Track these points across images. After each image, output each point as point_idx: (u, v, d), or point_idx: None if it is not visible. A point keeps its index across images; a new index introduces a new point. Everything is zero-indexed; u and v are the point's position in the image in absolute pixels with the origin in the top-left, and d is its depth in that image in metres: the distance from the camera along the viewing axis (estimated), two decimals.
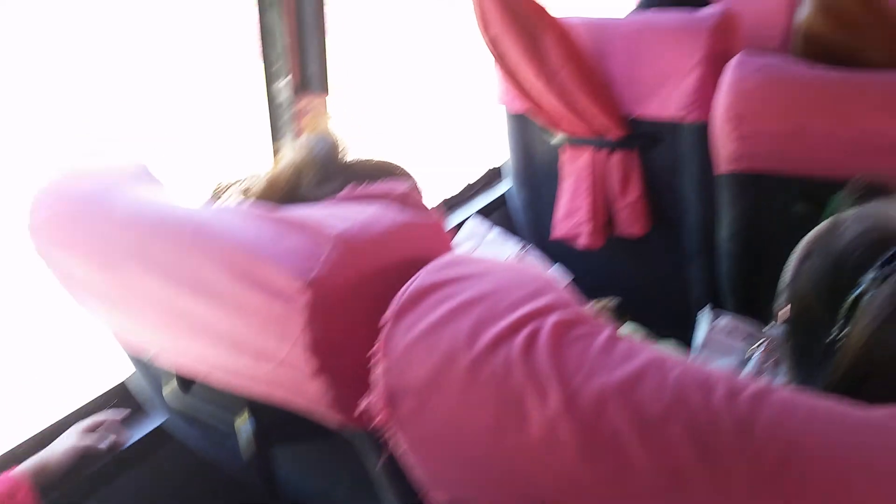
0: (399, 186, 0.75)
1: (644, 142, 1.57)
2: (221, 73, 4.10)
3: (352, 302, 0.62)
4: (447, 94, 4.27)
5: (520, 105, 1.66)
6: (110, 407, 1.13)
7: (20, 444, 1.04)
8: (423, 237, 0.69)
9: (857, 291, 0.48)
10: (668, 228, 1.63)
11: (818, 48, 1.28)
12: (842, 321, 0.49)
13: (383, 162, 0.84)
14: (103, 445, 1.05)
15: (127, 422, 1.11)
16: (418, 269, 0.59)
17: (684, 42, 1.46)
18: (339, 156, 0.82)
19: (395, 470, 0.61)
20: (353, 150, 0.83)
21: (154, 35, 4.38)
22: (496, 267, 0.58)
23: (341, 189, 0.74)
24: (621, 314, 1.59)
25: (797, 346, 0.55)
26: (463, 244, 1.70)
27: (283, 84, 1.30)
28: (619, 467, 0.46)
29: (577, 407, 0.47)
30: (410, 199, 0.74)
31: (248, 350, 0.66)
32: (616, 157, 1.59)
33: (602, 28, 1.59)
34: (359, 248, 0.62)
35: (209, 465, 1.03)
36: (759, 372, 1.12)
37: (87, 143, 3.33)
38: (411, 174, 0.85)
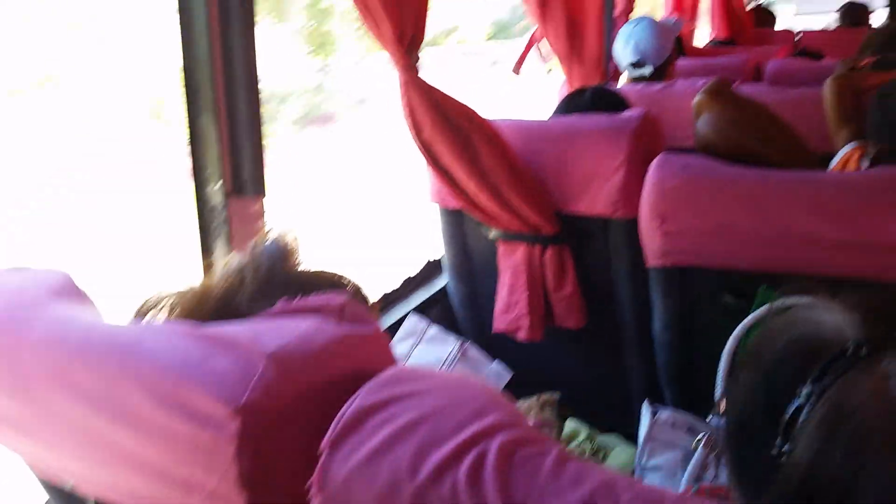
0: (337, 298, 0.73)
1: (576, 237, 1.61)
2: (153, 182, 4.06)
3: (286, 428, 0.58)
4: (384, 189, 4.33)
5: (454, 202, 1.69)
6: None
7: None
8: (363, 350, 0.67)
9: (795, 406, 0.48)
10: (605, 321, 1.65)
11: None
12: (781, 436, 0.48)
13: (323, 272, 0.82)
14: None
15: None
16: (358, 385, 0.57)
17: (610, 143, 1.52)
18: (287, 264, 0.80)
19: None
20: (302, 257, 0.81)
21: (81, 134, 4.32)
22: (439, 382, 0.56)
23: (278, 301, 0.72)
24: (563, 408, 1.58)
25: (739, 459, 0.54)
26: (402, 342, 1.67)
27: (216, 189, 1.28)
28: None
29: None
30: (348, 310, 0.72)
31: (175, 481, 0.61)
32: (550, 252, 1.62)
33: (530, 130, 1.65)
34: (294, 367, 0.59)
35: None
36: (703, 466, 1.12)
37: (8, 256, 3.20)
38: (354, 282, 0.83)
